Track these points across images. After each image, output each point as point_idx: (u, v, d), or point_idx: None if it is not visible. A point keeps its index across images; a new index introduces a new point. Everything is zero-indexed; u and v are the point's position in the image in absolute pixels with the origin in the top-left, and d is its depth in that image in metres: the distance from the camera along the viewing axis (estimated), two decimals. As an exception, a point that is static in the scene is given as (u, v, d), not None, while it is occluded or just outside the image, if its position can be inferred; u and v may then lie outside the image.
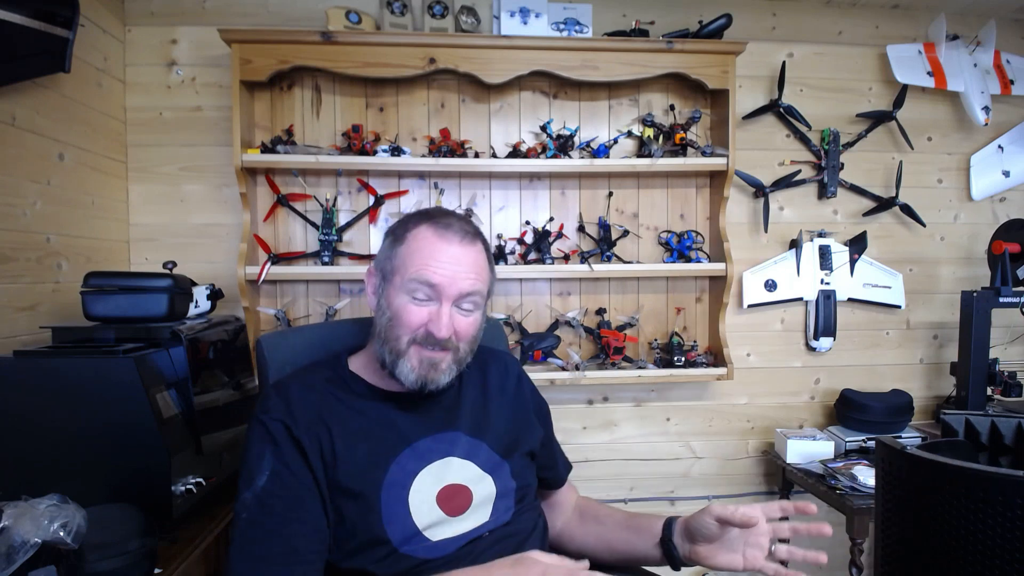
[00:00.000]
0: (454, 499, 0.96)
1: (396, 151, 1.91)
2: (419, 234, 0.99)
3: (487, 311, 1.11)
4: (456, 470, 0.98)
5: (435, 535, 0.92)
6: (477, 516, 0.97)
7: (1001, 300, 1.97)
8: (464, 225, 1.01)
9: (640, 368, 2.02)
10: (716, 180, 2.10)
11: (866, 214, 2.24)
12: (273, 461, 0.90)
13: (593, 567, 0.84)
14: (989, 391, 2.03)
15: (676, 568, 1.03)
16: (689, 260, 2.07)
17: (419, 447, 0.97)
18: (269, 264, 1.87)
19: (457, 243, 0.98)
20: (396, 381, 0.99)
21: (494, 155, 2.02)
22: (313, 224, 2.00)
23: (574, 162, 1.97)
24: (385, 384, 1.03)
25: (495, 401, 1.09)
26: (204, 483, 1.28)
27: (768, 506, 0.94)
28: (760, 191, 2.16)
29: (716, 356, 2.09)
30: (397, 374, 0.97)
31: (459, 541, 0.93)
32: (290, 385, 1.00)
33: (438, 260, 0.96)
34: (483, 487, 0.99)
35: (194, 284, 1.60)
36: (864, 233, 2.18)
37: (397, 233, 1.02)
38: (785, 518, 0.97)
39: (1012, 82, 2.22)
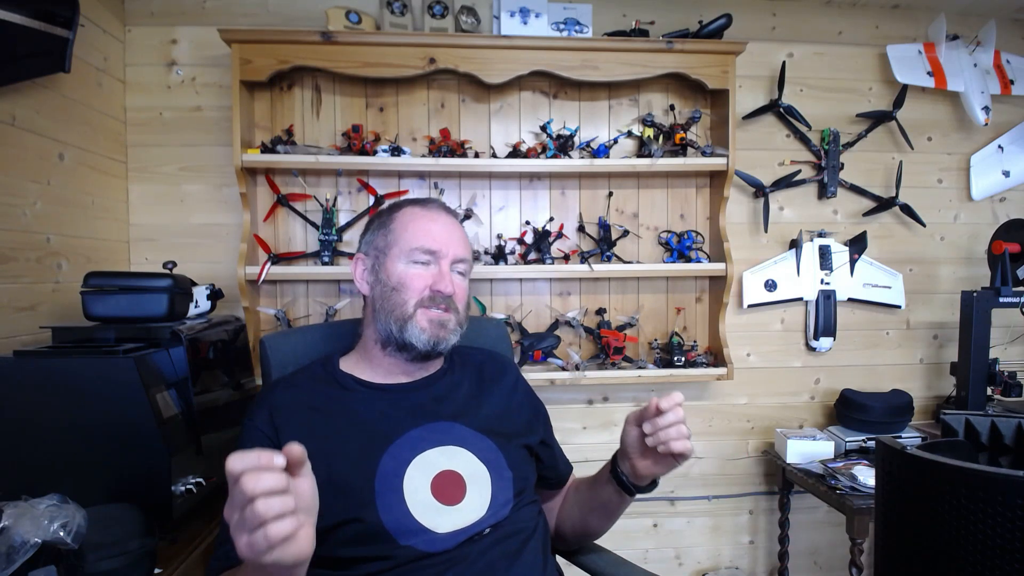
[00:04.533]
0: (448, 486, 0.96)
1: (396, 151, 1.91)
2: (406, 212, 1.09)
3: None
4: (449, 458, 0.98)
5: (433, 526, 0.92)
6: (474, 506, 0.96)
7: (1001, 300, 1.97)
8: (442, 203, 1.13)
9: (640, 368, 2.01)
10: (716, 180, 2.10)
11: (866, 214, 2.24)
12: None
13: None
14: (989, 391, 2.02)
15: (631, 494, 1.03)
16: (689, 260, 2.07)
17: (411, 436, 0.98)
18: (269, 264, 1.87)
19: (444, 215, 1.09)
20: (400, 355, 1.04)
21: (494, 155, 2.02)
22: (313, 224, 2.00)
23: (574, 162, 1.97)
24: (376, 378, 1.05)
25: (490, 393, 1.11)
26: (204, 483, 1.28)
27: (653, 403, 0.91)
28: (760, 191, 2.16)
29: (716, 356, 2.09)
30: (407, 338, 1.01)
31: (459, 536, 0.93)
32: (275, 388, 1.03)
33: (432, 229, 1.06)
34: (478, 475, 0.99)
35: (194, 284, 1.60)
36: (864, 233, 2.18)
37: (383, 218, 1.11)
38: None
39: (1012, 82, 2.22)
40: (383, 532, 0.90)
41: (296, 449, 0.65)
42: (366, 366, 1.07)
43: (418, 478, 0.95)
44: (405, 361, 1.05)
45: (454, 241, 1.06)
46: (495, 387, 1.12)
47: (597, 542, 1.26)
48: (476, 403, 1.08)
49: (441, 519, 0.93)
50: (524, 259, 2.03)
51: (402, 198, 1.15)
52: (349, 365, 1.08)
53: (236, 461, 0.61)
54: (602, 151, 2.00)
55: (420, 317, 1.02)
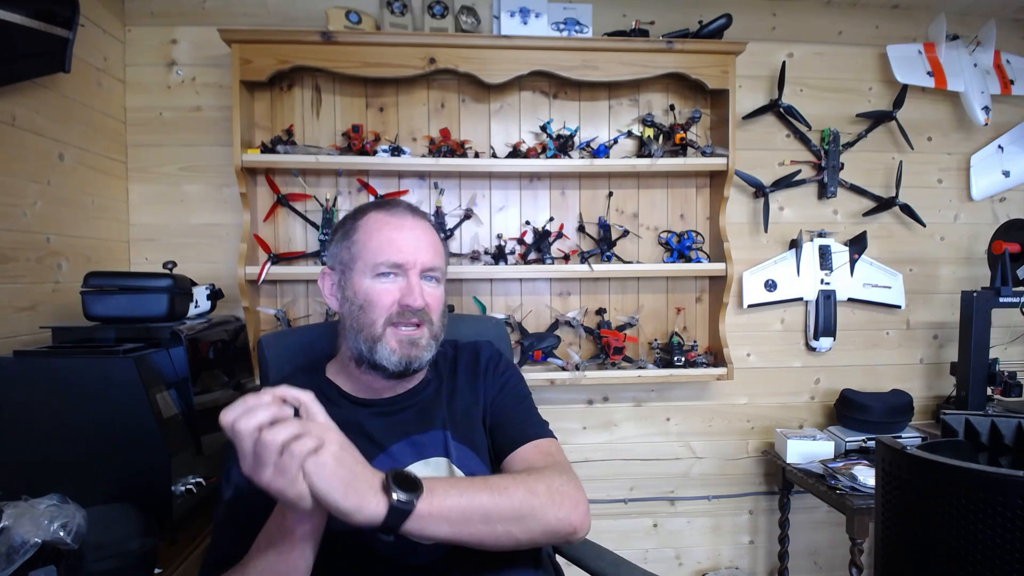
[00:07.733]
0: None
1: (396, 151, 1.91)
2: (370, 219, 1.02)
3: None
4: (432, 470, 0.97)
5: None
6: None
7: (1001, 300, 1.97)
8: (409, 205, 1.05)
9: (640, 368, 2.01)
10: (716, 180, 2.10)
11: (866, 214, 2.24)
12: (238, 477, 0.90)
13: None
14: (989, 391, 2.02)
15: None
16: (689, 260, 2.07)
17: (393, 452, 0.97)
18: (269, 264, 1.87)
19: (410, 219, 1.02)
20: (375, 373, 0.99)
21: (494, 155, 2.02)
22: (313, 224, 2.00)
23: (574, 162, 1.97)
24: (358, 391, 1.03)
25: (466, 397, 1.07)
26: (204, 483, 1.28)
27: None
28: (760, 191, 2.16)
29: (716, 356, 2.09)
30: (377, 360, 0.97)
31: (445, 546, 0.91)
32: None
33: (396, 239, 0.99)
34: None
35: (194, 284, 1.60)
36: (864, 233, 2.18)
37: (346, 227, 1.04)
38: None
39: (1012, 82, 2.22)
40: (369, 549, 0.89)
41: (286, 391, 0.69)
42: (346, 378, 1.05)
43: None
44: (382, 378, 1.01)
45: (422, 249, 0.99)
46: (471, 387, 1.08)
47: (597, 542, 1.26)
48: (456, 411, 1.05)
49: None
50: (524, 259, 2.03)
51: (366, 203, 1.06)
52: (333, 372, 1.07)
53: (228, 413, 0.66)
54: (602, 151, 2.00)
55: (390, 337, 0.96)
